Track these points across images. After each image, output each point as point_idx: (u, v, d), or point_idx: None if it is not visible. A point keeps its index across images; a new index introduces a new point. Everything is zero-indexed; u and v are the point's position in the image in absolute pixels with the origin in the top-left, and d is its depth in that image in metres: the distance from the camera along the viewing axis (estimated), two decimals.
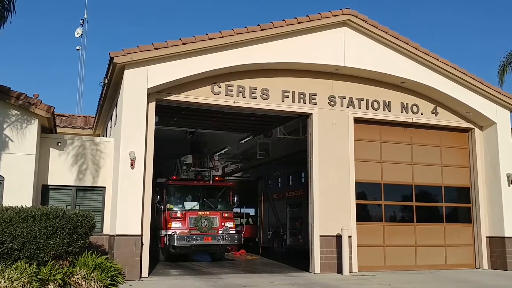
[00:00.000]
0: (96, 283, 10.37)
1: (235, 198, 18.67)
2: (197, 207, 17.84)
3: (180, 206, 17.83)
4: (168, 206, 17.54)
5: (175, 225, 17.11)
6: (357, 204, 14.86)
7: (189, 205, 17.95)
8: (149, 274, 12.82)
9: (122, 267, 11.65)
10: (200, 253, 18.90)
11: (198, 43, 13.18)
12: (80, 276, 10.35)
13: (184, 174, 18.86)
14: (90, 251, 11.26)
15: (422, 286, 12.16)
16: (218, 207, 18.14)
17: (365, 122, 15.53)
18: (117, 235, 12.23)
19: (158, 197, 17.42)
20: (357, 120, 15.28)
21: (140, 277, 12.28)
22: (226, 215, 17.94)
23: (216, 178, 18.77)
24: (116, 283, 10.95)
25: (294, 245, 21.60)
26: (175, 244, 16.54)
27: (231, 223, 17.88)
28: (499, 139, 16.32)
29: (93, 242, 12.79)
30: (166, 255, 17.48)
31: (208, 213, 17.56)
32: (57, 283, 9.92)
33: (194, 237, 16.81)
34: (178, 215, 17.34)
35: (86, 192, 14.10)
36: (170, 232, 16.86)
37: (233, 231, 17.62)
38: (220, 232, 17.30)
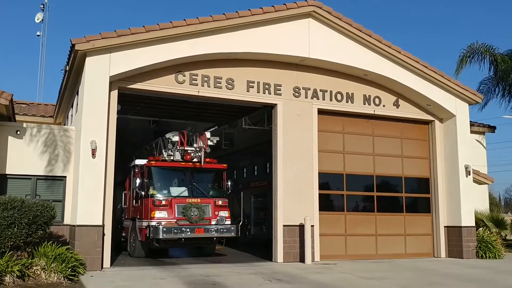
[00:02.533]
0: (56, 274, 10.19)
1: (229, 183, 16.34)
2: (186, 193, 15.39)
3: (165, 192, 15.34)
4: (151, 191, 15.07)
5: (159, 214, 14.65)
6: (320, 194, 15.06)
7: (175, 190, 15.51)
8: (111, 264, 12.69)
9: (83, 258, 11.47)
10: (185, 247, 16.86)
11: (162, 31, 13.02)
12: (39, 267, 10.17)
13: (169, 154, 16.16)
14: (50, 242, 11.05)
15: (382, 274, 12.44)
16: (210, 193, 15.81)
17: (329, 113, 15.69)
18: (78, 225, 12.05)
19: (137, 181, 15.33)
20: (321, 112, 15.43)
21: (102, 267, 12.14)
22: (220, 202, 15.61)
23: (207, 159, 15.94)
24: (77, 274, 10.76)
25: (258, 235, 21.72)
26: (160, 237, 14.13)
27: (226, 212, 15.58)
28: (458, 132, 16.77)
29: (54, 232, 12.58)
30: (146, 250, 15.38)
31: (198, 200, 15.14)
32: (15, 275, 9.71)
33: (183, 228, 14.41)
34: (163, 202, 14.83)
35: (47, 182, 13.80)
36: (153, 223, 14.38)
37: (228, 221, 15.43)
38: (213, 222, 15.09)
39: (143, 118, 18.23)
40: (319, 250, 14.68)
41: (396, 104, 16.61)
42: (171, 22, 13.15)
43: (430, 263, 14.92)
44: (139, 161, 16.10)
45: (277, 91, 14.87)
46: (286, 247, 14.31)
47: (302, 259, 14.12)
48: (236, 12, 13.83)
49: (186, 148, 15.76)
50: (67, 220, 13.55)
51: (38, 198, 12.96)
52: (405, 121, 17.00)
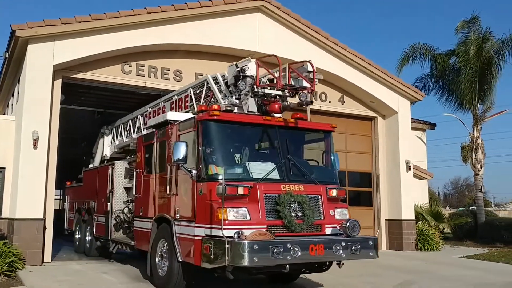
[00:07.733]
0: None
1: (333, 157, 9.41)
2: (276, 175, 8.32)
3: (239, 171, 8.24)
4: (211, 170, 7.96)
5: (234, 215, 7.58)
6: None
7: (258, 169, 8.30)
8: (52, 259, 12.35)
9: (23, 252, 11.12)
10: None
11: (109, 20, 12.73)
12: None
13: (233, 103, 8.95)
14: None
15: None
16: (317, 176, 8.82)
17: None
18: (17, 219, 11.63)
19: (180, 151, 8.09)
20: None
21: (43, 262, 11.81)
22: (334, 193, 8.63)
23: (299, 114, 9.29)
24: (15, 269, 10.41)
25: None
26: (247, 263, 7.07)
27: (345, 210, 8.69)
28: (399, 128, 17.35)
29: None
30: (190, 277, 8.59)
31: (301, 187, 8.23)
32: None
33: (289, 246, 7.38)
34: (240, 191, 7.72)
35: None
36: (228, 233, 7.27)
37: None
38: (328, 230, 8.30)
39: (88, 108, 17.69)
40: None
41: (342, 101, 16.99)
42: (118, 11, 12.88)
43: None
44: (175, 115, 9.49)
45: None
46: None
47: None
48: (185, 3, 13.72)
49: (274, 92, 8.82)
50: (6, 213, 13.03)
51: None
52: (349, 117, 17.42)
